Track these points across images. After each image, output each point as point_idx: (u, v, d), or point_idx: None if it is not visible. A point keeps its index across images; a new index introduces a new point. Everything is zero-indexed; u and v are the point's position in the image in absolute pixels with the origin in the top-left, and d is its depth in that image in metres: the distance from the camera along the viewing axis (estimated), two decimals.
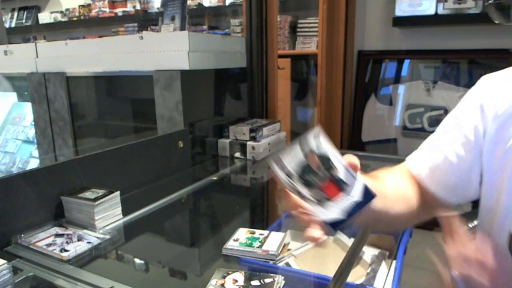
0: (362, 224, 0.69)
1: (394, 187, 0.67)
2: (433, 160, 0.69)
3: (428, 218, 0.71)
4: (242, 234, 0.89)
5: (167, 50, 1.49)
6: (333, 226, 0.48)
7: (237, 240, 0.87)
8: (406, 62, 2.37)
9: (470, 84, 2.18)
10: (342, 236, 0.99)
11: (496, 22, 0.65)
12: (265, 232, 0.90)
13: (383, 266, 0.90)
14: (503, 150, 0.61)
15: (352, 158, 0.49)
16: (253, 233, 0.90)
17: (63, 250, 0.83)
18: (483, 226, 0.67)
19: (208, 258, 0.91)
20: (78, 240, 0.88)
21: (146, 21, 3.65)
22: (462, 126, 0.67)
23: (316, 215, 0.47)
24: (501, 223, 0.61)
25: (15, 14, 4.54)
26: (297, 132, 2.84)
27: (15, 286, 0.72)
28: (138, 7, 3.70)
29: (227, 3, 3.18)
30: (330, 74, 2.34)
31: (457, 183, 0.67)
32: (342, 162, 0.48)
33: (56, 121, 1.96)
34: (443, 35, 2.24)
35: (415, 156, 0.74)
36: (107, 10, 3.79)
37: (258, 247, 0.83)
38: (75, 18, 4.06)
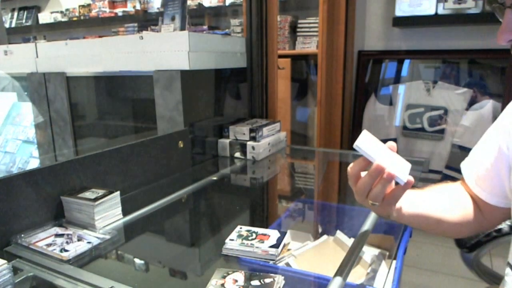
0: (414, 224, 0.75)
1: (446, 195, 0.78)
2: (475, 167, 0.78)
3: (493, 224, 0.79)
4: (241, 233, 0.89)
5: (167, 50, 1.49)
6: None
7: (236, 239, 0.87)
8: (406, 62, 2.38)
9: (470, 84, 2.18)
10: (342, 236, 0.99)
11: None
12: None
13: (383, 266, 0.90)
14: None
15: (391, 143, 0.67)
16: (253, 232, 0.90)
17: (63, 250, 0.83)
18: None
19: (208, 258, 0.91)
20: (78, 240, 0.88)
21: (146, 21, 3.65)
22: (498, 136, 0.74)
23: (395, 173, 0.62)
24: None
25: (15, 14, 4.54)
26: (297, 132, 2.84)
27: (15, 286, 0.72)
28: (138, 7, 3.70)
29: (227, 3, 3.18)
30: (330, 74, 2.34)
31: (494, 186, 0.74)
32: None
33: (56, 121, 1.96)
34: (443, 35, 2.24)
35: (466, 163, 0.82)
36: (107, 10, 3.80)
37: (258, 247, 0.83)
38: (75, 18, 4.06)
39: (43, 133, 2.02)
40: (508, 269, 0.71)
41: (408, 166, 0.67)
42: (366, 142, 0.62)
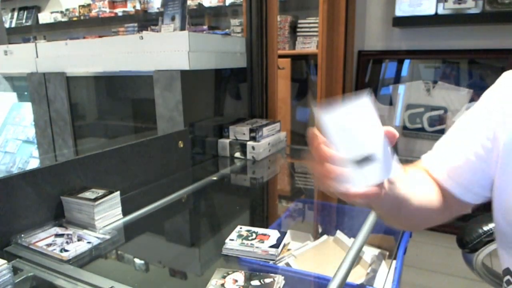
0: (384, 209, 0.60)
1: (419, 181, 0.69)
2: (450, 158, 0.69)
3: (450, 218, 0.72)
4: (241, 233, 0.89)
5: (167, 50, 1.49)
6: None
7: (237, 239, 0.87)
8: (406, 62, 2.37)
9: (470, 84, 2.18)
10: (342, 236, 0.99)
11: None
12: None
13: (383, 266, 0.90)
14: None
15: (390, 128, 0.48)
16: (253, 232, 0.90)
17: (63, 250, 0.83)
18: (501, 229, 0.67)
19: (208, 258, 0.91)
20: (78, 240, 0.88)
21: (146, 21, 3.65)
22: (482, 126, 0.66)
23: (354, 182, 0.47)
24: None
25: (15, 14, 4.54)
26: (297, 132, 2.84)
27: (15, 286, 0.72)
28: (138, 7, 3.70)
29: (227, 3, 3.18)
30: (330, 74, 2.33)
31: (473, 181, 0.67)
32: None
33: (56, 121, 1.96)
34: (443, 35, 2.24)
35: (432, 154, 0.73)
36: (107, 10, 3.80)
37: (258, 247, 0.83)
38: (75, 18, 4.06)
39: (41, 133, 2.02)
40: (508, 277, 0.68)
41: (395, 171, 0.50)
42: (345, 117, 0.46)
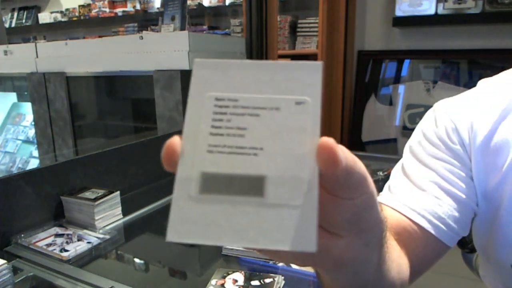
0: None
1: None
2: (438, 206, 0.55)
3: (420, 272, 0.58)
4: None
5: (167, 50, 1.49)
6: None
7: None
8: (406, 62, 2.37)
9: (470, 84, 2.18)
10: None
11: None
12: None
13: None
14: (495, 180, 0.54)
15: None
16: None
17: (63, 250, 0.83)
18: (482, 260, 0.62)
19: (208, 258, 0.91)
20: (78, 240, 0.88)
21: (146, 21, 3.65)
22: (451, 163, 0.57)
23: None
24: (499, 258, 0.56)
25: (15, 14, 4.54)
26: None
27: (15, 286, 0.72)
28: (138, 7, 3.70)
29: (227, 3, 3.18)
30: (330, 74, 2.34)
31: (457, 223, 0.56)
32: None
33: (56, 121, 1.96)
34: (443, 35, 2.24)
35: (411, 203, 0.55)
36: (107, 10, 3.80)
37: None
38: (75, 18, 4.06)
39: (41, 133, 2.02)
40: None
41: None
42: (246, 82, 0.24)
